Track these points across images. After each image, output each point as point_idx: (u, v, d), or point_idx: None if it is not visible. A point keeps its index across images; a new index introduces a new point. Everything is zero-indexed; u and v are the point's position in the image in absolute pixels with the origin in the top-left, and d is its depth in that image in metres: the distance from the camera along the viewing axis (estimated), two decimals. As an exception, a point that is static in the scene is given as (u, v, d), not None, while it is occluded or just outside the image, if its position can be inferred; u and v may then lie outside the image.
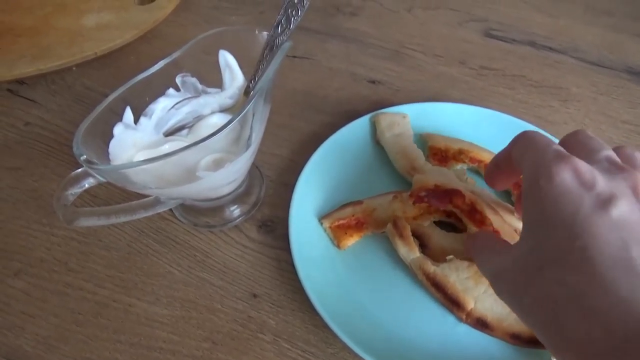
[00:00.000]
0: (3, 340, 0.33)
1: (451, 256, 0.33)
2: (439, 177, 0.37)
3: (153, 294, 0.35)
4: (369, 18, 0.61)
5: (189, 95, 0.35)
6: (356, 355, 0.30)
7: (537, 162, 0.23)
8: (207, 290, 0.35)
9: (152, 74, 0.33)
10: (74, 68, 0.52)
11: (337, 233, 0.36)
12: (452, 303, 0.32)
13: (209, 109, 0.34)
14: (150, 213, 0.35)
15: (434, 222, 0.37)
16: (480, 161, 0.40)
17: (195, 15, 0.61)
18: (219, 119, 0.33)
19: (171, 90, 0.35)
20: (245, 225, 0.39)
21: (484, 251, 0.28)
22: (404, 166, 0.40)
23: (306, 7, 0.31)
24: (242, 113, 0.28)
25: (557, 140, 0.25)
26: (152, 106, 0.34)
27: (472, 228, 0.34)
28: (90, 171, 0.28)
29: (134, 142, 0.31)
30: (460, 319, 0.32)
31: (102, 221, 0.33)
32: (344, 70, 0.53)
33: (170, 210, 0.39)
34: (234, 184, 0.36)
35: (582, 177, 0.21)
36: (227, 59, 0.34)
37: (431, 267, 0.33)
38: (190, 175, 0.30)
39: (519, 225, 0.34)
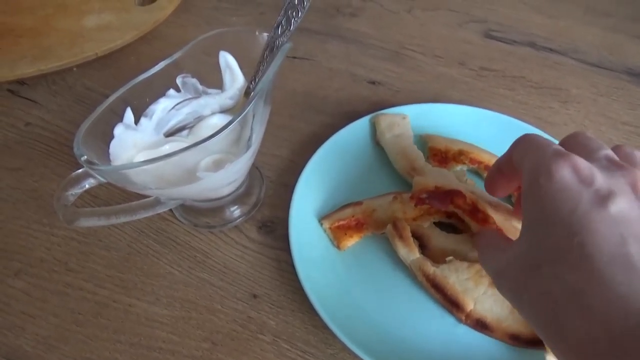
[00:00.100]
0: (3, 340, 0.33)
1: (451, 257, 0.33)
2: (439, 178, 0.37)
3: (153, 294, 0.35)
4: (368, 19, 0.61)
5: (190, 96, 0.35)
6: (356, 356, 0.30)
7: (536, 161, 0.23)
8: (207, 290, 0.35)
9: (153, 74, 0.33)
10: (74, 69, 0.52)
11: (337, 234, 0.36)
12: (451, 304, 0.32)
13: (209, 109, 0.34)
14: (150, 213, 0.35)
15: (434, 223, 0.37)
16: (480, 162, 0.40)
17: (195, 16, 0.61)
18: (219, 120, 0.33)
19: (172, 91, 0.35)
20: (245, 226, 0.39)
21: (487, 249, 0.28)
22: (404, 167, 0.40)
23: (306, 8, 0.31)
24: (243, 114, 0.28)
25: (557, 142, 0.26)
26: (152, 107, 0.34)
27: (475, 227, 0.34)
28: (91, 171, 0.28)
29: (134, 143, 0.32)
30: (459, 320, 0.32)
31: (103, 221, 0.33)
32: (344, 71, 0.53)
33: (171, 210, 0.39)
34: (234, 184, 0.36)
35: (581, 174, 0.21)
36: (227, 60, 0.34)
37: (431, 268, 0.33)
38: (191, 175, 0.30)
39: (519, 225, 0.34)
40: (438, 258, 0.34)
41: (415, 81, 0.52)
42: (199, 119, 0.34)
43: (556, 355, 0.21)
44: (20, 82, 0.51)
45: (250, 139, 0.31)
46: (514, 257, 0.23)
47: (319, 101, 0.49)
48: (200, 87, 0.36)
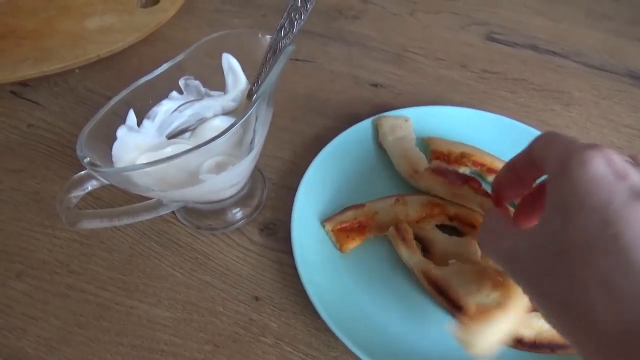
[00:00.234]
0: (4, 342, 0.33)
1: (453, 260, 0.33)
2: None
3: (155, 296, 0.35)
4: (371, 21, 0.61)
5: (192, 98, 0.35)
6: (358, 358, 0.30)
7: (567, 149, 0.23)
8: (209, 292, 0.35)
9: (156, 76, 0.33)
10: (76, 70, 0.52)
11: (339, 236, 0.36)
12: (454, 307, 0.32)
13: (211, 111, 0.34)
14: (152, 215, 0.35)
15: (437, 225, 0.37)
16: (482, 165, 0.40)
17: (198, 18, 0.61)
18: (221, 122, 0.33)
19: (174, 93, 0.35)
20: (248, 228, 0.39)
21: (492, 232, 0.27)
22: (406, 170, 0.40)
23: (309, 11, 0.31)
24: (245, 116, 0.28)
25: None
26: (155, 109, 0.34)
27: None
28: (94, 173, 0.28)
29: (136, 145, 0.32)
30: (462, 323, 0.32)
31: (105, 223, 0.33)
32: (346, 73, 0.53)
33: (173, 212, 0.39)
34: (236, 186, 0.36)
35: (615, 167, 0.21)
36: (230, 62, 0.34)
37: (433, 271, 0.33)
38: (193, 178, 0.30)
39: None
40: (440, 261, 0.34)
41: (417, 83, 0.52)
42: (202, 121, 0.34)
43: (577, 340, 0.21)
44: (23, 83, 0.51)
45: (252, 141, 0.31)
46: (535, 240, 0.23)
47: (321, 103, 0.49)
48: (202, 89, 0.36)
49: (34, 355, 0.32)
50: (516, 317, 0.28)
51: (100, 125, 0.30)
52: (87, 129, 0.29)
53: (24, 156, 0.44)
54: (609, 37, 0.59)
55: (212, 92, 0.36)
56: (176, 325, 0.33)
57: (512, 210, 0.36)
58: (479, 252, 0.34)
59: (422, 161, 0.40)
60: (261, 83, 0.33)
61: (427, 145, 0.43)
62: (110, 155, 0.31)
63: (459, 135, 0.43)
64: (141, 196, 0.33)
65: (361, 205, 0.37)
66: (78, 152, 0.27)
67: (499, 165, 0.40)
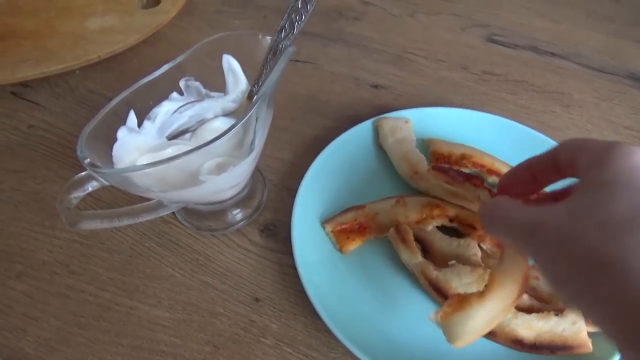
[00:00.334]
0: (5, 342, 0.33)
1: (453, 261, 0.33)
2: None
3: (155, 297, 0.35)
4: (371, 23, 0.61)
5: (193, 99, 0.35)
6: (358, 359, 0.30)
7: (606, 144, 0.24)
8: (209, 293, 0.35)
9: (156, 77, 0.33)
10: (77, 71, 0.52)
11: (340, 237, 0.36)
12: (454, 308, 0.32)
13: (212, 112, 0.34)
14: (153, 216, 0.35)
15: (437, 227, 0.37)
16: (483, 166, 0.40)
17: (198, 19, 0.61)
18: (222, 123, 0.33)
19: (175, 94, 0.35)
20: (248, 229, 0.39)
21: (500, 209, 0.27)
22: (407, 171, 0.40)
23: (310, 12, 0.31)
24: (246, 117, 0.28)
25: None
26: (155, 110, 0.34)
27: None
28: (94, 174, 0.28)
29: (137, 146, 0.32)
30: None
31: (105, 224, 0.33)
32: (346, 74, 0.53)
33: (173, 213, 0.39)
34: (236, 187, 0.36)
35: None
36: (230, 63, 0.34)
37: (433, 272, 0.33)
38: (193, 178, 0.30)
39: None
40: (440, 262, 0.34)
41: (417, 85, 0.52)
42: (202, 122, 0.34)
43: (605, 298, 0.21)
44: (23, 84, 0.51)
45: (253, 142, 0.32)
46: (568, 212, 0.23)
47: (322, 105, 0.49)
48: (203, 90, 0.36)
49: (34, 355, 0.32)
50: (496, 308, 0.28)
51: (100, 126, 0.30)
52: (87, 129, 0.29)
53: (24, 157, 0.44)
54: (610, 39, 0.59)
55: (213, 93, 0.36)
56: (176, 326, 0.33)
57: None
58: (479, 253, 0.34)
59: (423, 162, 0.40)
60: (261, 84, 0.33)
61: (427, 146, 0.43)
62: (111, 156, 0.31)
63: (460, 136, 0.43)
64: (141, 197, 0.33)
65: (361, 207, 0.37)
66: (78, 152, 0.27)
67: (500, 167, 0.40)
